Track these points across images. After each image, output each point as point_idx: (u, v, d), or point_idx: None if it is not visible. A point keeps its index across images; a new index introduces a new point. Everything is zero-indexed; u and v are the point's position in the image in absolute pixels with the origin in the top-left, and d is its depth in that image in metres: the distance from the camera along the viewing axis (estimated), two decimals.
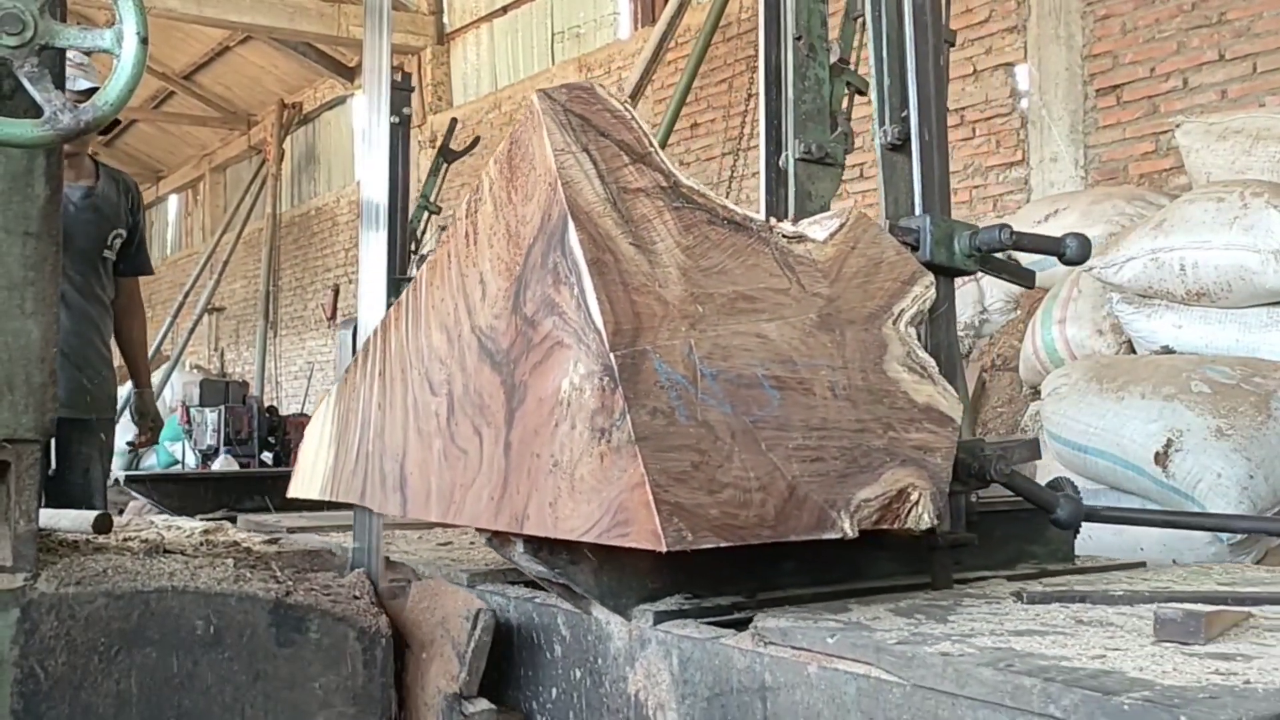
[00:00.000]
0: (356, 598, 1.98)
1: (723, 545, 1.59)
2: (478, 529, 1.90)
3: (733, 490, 1.61)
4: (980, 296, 6.22)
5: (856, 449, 1.76)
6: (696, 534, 1.55)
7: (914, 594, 1.92)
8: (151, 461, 10.87)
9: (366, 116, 2.43)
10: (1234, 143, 4.77)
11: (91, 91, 3.25)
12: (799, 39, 2.47)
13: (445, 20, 13.01)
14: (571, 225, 1.65)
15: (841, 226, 1.92)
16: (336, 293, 14.06)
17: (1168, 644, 1.49)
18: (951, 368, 2.11)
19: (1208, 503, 3.48)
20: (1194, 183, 4.98)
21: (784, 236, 1.85)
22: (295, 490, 2.52)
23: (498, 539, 1.86)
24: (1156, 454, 3.62)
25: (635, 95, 7.14)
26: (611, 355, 1.58)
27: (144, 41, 1.69)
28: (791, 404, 1.72)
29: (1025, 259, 2.65)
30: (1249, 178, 4.53)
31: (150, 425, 3.86)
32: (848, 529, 1.70)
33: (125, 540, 2.26)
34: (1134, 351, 4.79)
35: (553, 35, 11.38)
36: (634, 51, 9.34)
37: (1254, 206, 4.10)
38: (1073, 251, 2.20)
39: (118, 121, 3.38)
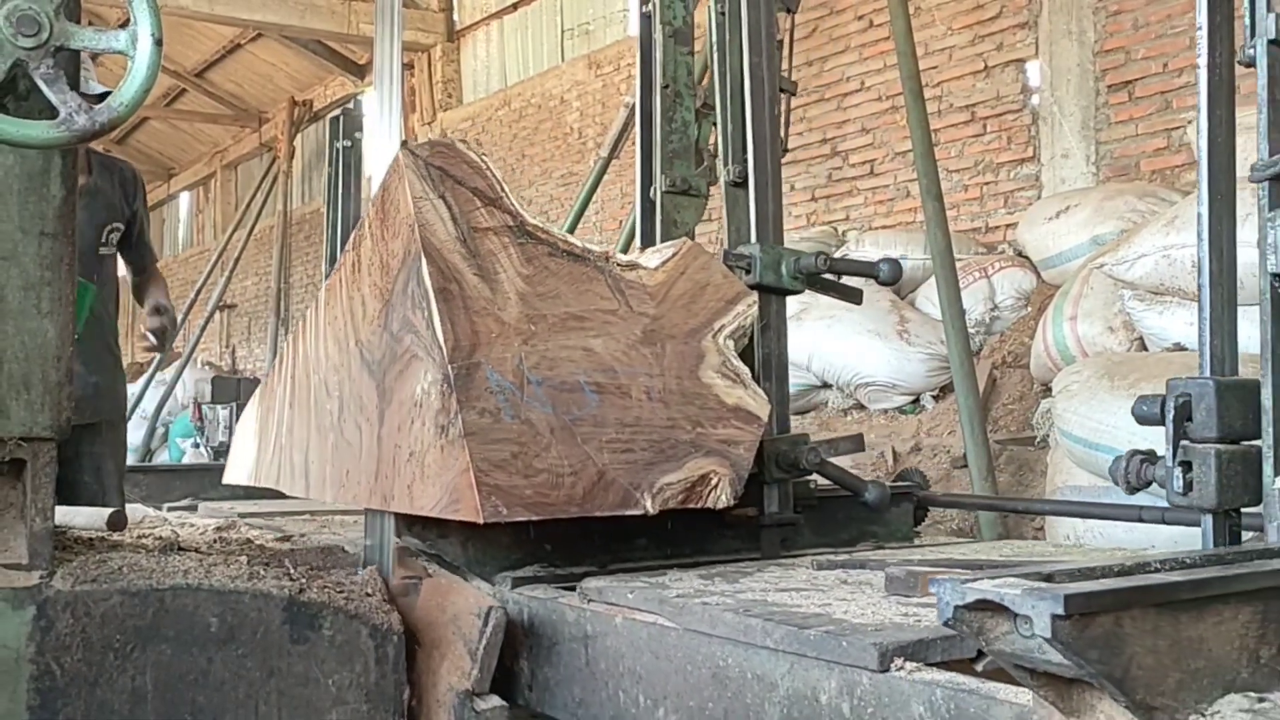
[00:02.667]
0: (369, 595, 1.99)
1: (535, 519, 1.94)
2: (366, 508, 2.24)
3: (547, 475, 1.96)
4: (991, 293, 6.20)
5: (665, 442, 2.11)
6: (511, 509, 1.90)
7: (741, 564, 2.25)
8: (165, 457, 10.91)
9: (375, 114, 2.45)
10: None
11: (104, 95, 3.23)
12: (666, 87, 2.82)
13: (455, 17, 13.01)
14: (424, 260, 2.00)
15: (674, 255, 2.30)
16: None
17: (893, 596, 1.80)
18: (782, 373, 2.49)
19: None
20: None
21: (618, 265, 2.22)
22: (228, 477, 2.82)
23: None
24: None
25: None
26: (449, 366, 1.92)
27: (158, 43, 1.70)
28: (609, 405, 2.07)
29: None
30: None
31: (161, 327, 3.59)
32: (649, 507, 2.04)
33: (140, 538, 2.28)
34: (1145, 349, 4.77)
35: (562, 32, 11.38)
36: None
37: None
38: (885, 274, 2.54)
39: None
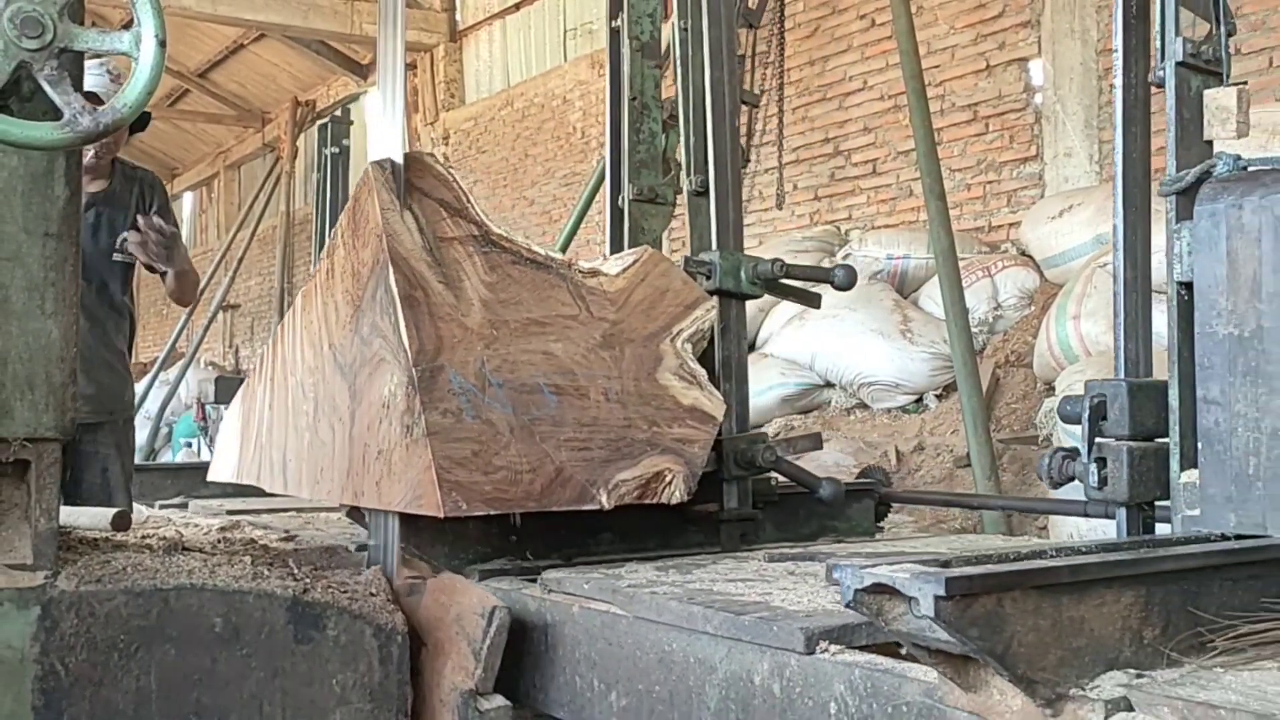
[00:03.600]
0: (373, 595, 1.99)
1: (493, 513, 2.06)
2: (339, 504, 2.38)
3: (506, 472, 2.06)
4: (994, 292, 6.20)
5: (621, 440, 2.21)
6: (471, 504, 2.01)
7: (698, 557, 2.34)
8: (168, 457, 10.93)
9: (378, 114, 2.46)
10: (1250, 137, 4.73)
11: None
12: (634, 99, 2.92)
13: (458, 17, 13.02)
14: (391, 269, 2.11)
15: (634, 262, 2.41)
16: None
17: (833, 586, 1.83)
18: (741, 374, 2.59)
19: None
20: None
21: (580, 272, 2.33)
22: (213, 474, 2.93)
23: (354, 512, 2.39)
24: None
25: None
26: (414, 369, 2.04)
27: (162, 44, 1.70)
28: (567, 406, 2.18)
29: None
30: None
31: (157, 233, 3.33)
32: (605, 502, 2.15)
33: (144, 538, 2.28)
34: None
35: (565, 32, 11.38)
36: None
37: None
38: (840, 279, 2.62)
39: (148, 116, 3.29)
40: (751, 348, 6.95)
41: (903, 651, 1.45)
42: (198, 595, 1.84)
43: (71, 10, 1.72)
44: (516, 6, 12.05)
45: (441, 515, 1.99)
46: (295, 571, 2.00)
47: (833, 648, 1.53)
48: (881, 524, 2.94)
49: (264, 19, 11.74)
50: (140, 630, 1.80)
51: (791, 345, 6.55)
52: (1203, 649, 1.40)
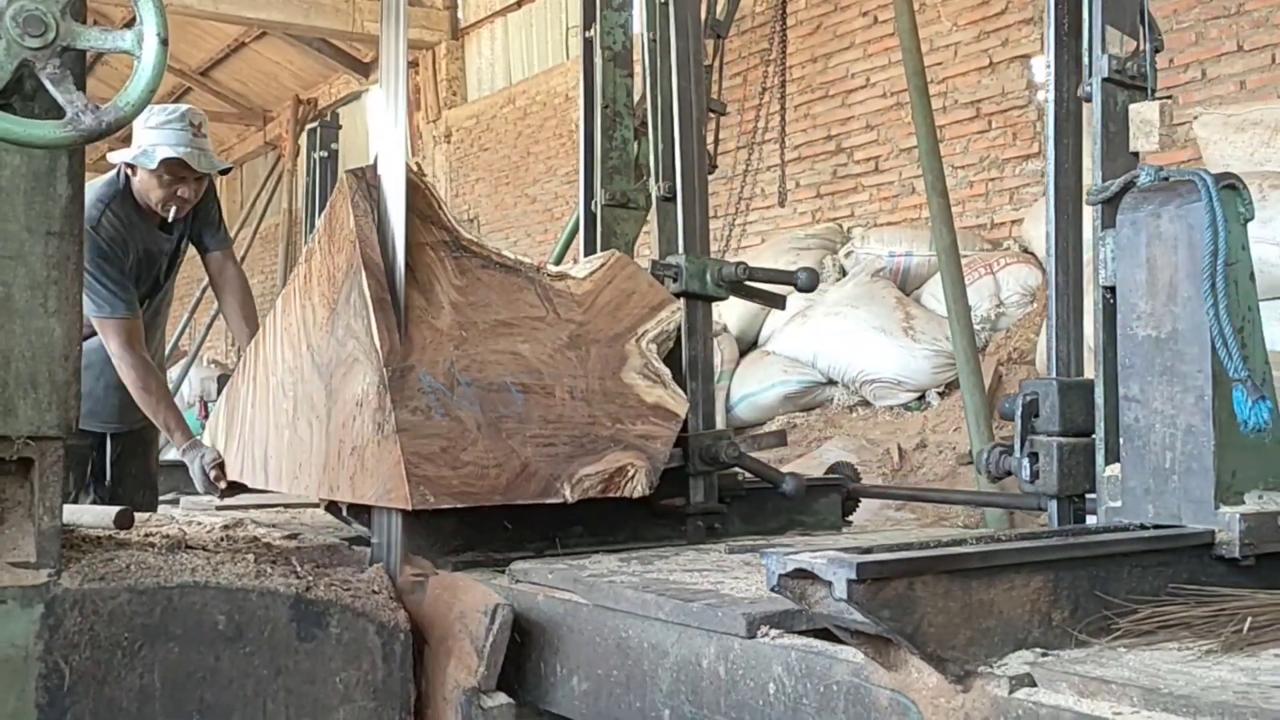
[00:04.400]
0: (376, 593, 2.00)
1: (460, 506, 2.13)
2: (318, 498, 2.45)
3: (472, 467, 2.15)
4: (996, 290, 6.19)
5: (585, 437, 2.29)
6: (439, 498, 2.10)
7: (662, 549, 2.41)
8: (173, 454, 10.92)
9: (382, 111, 2.46)
10: (1252, 134, 4.73)
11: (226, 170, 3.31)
12: (606, 107, 3.00)
13: (460, 15, 13.01)
14: (363, 273, 2.19)
15: (601, 266, 2.50)
16: None
17: None
18: (708, 373, 2.68)
19: None
20: None
21: (548, 275, 2.42)
22: None
23: (333, 506, 2.48)
24: None
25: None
26: (385, 369, 2.12)
27: (164, 43, 1.70)
28: (533, 404, 2.26)
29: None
30: (1268, 169, 4.50)
31: None
32: (568, 496, 2.23)
33: (147, 536, 2.28)
34: None
35: (567, 30, 11.36)
36: None
37: (1273, 199, 4.07)
38: (803, 282, 2.71)
39: (229, 167, 3.38)
40: (754, 345, 6.95)
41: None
42: (201, 593, 1.85)
43: (74, 9, 1.72)
44: (518, 4, 12.04)
45: (410, 508, 2.06)
46: (298, 569, 2.00)
47: (773, 632, 1.61)
48: (850, 518, 3.02)
49: (266, 17, 11.73)
50: (144, 628, 1.80)
51: (794, 343, 6.55)
52: (1110, 631, 1.50)
